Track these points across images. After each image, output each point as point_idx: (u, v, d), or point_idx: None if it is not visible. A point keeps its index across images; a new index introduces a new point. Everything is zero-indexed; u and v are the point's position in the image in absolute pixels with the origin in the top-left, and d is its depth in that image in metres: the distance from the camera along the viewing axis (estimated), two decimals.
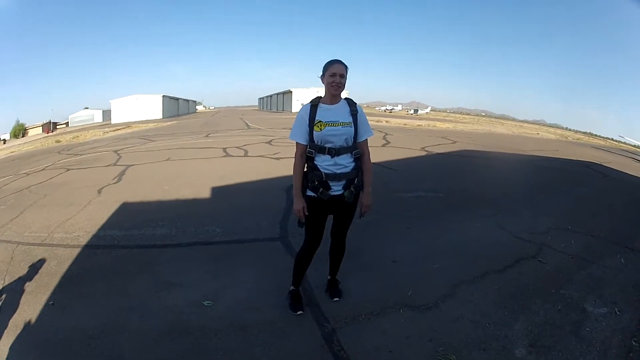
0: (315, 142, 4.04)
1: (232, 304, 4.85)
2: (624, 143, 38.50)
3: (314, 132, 4.03)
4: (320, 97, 4.20)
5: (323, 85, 4.16)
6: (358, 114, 4.15)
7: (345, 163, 4.11)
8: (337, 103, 4.15)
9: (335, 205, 4.24)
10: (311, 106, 4.11)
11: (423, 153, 17.03)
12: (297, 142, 4.18)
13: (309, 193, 4.18)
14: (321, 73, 4.17)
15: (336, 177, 4.09)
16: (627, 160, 22.16)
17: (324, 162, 4.08)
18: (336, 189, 4.13)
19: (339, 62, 4.07)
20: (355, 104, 4.20)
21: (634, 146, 34.47)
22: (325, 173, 4.06)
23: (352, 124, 4.10)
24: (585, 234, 7.43)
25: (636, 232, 7.74)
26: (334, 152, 4.03)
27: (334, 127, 4.02)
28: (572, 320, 4.61)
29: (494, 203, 9.29)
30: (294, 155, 4.22)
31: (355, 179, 4.17)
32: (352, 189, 4.16)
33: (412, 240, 6.90)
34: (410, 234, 7.20)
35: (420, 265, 5.88)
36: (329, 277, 5.06)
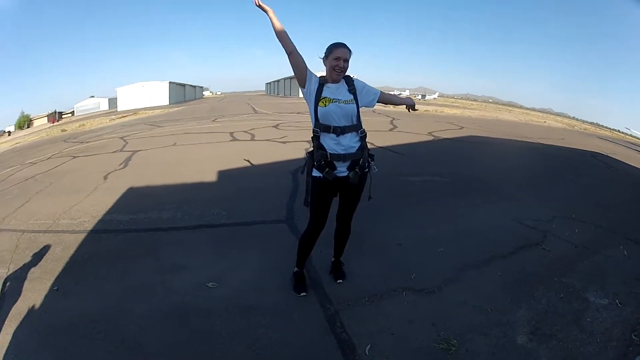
0: (320, 120, 4.06)
1: (237, 286, 4.89)
2: (630, 135, 38.29)
3: (319, 108, 4.05)
4: (324, 76, 4.21)
5: (325, 66, 4.20)
6: (357, 90, 4.20)
7: (351, 144, 4.12)
8: (338, 82, 4.17)
9: (340, 187, 4.28)
10: (319, 83, 4.12)
11: (430, 138, 16.97)
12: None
13: (315, 173, 4.20)
14: (323, 54, 4.17)
15: (341, 157, 4.10)
16: (632, 152, 22.02)
17: (329, 142, 4.09)
18: (341, 169, 4.15)
19: (344, 46, 4.08)
20: (352, 80, 4.24)
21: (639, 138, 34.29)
22: (330, 153, 4.08)
23: (354, 101, 4.14)
24: (590, 223, 7.39)
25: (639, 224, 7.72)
26: (339, 130, 4.05)
27: (338, 104, 4.04)
28: (574, 310, 4.62)
29: (499, 189, 9.32)
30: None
31: (360, 159, 4.18)
32: (357, 170, 4.16)
33: (417, 224, 6.92)
34: (415, 217, 7.22)
35: (424, 249, 5.90)
36: (333, 259, 5.09)
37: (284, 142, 14.48)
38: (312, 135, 4.20)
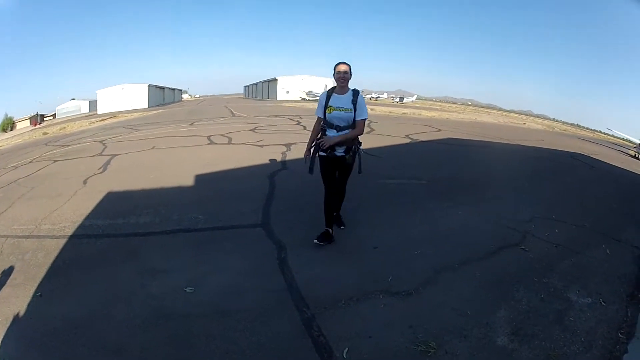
0: (327, 120, 5.74)
1: (214, 290, 4.90)
2: (612, 136, 38.64)
3: (327, 113, 5.73)
4: (335, 87, 5.82)
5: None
6: (357, 103, 5.69)
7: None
8: (345, 93, 5.75)
9: (338, 163, 5.87)
10: (327, 95, 5.79)
11: (407, 141, 17.09)
12: (318, 116, 5.93)
13: (321, 153, 5.85)
14: (333, 71, 5.75)
15: (338, 143, 5.68)
16: (614, 152, 22.28)
17: (331, 134, 5.73)
18: (339, 151, 5.77)
19: (344, 62, 5.72)
20: (358, 94, 5.75)
21: (622, 139, 34.59)
22: None
23: (352, 110, 5.67)
24: (570, 223, 7.45)
25: (622, 224, 7.80)
26: (339, 128, 5.70)
27: (339, 112, 5.67)
28: (556, 310, 4.64)
29: (477, 191, 9.32)
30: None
31: (352, 146, 5.80)
32: (350, 153, 5.79)
33: (393, 226, 6.95)
34: (392, 220, 7.24)
35: (401, 252, 5.93)
36: (334, 214, 6.38)
37: (261, 146, 14.43)
38: (321, 127, 5.86)
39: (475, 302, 4.66)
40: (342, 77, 5.67)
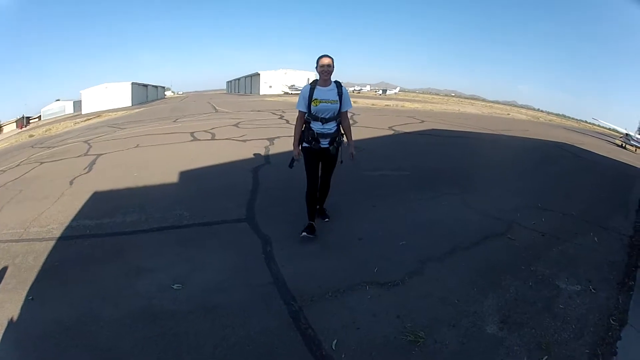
0: (313, 113, 5.81)
1: (201, 286, 4.89)
2: (598, 125, 38.80)
3: (312, 106, 5.79)
4: (317, 80, 5.91)
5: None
6: (343, 95, 5.90)
7: (330, 127, 5.92)
8: (328, 86, 5.86)
9: (323, 155, 6.00)
10: (310, 88, 5.83)
11: (390, 132, 17.16)
12: (299, 110, 5.92)
13: (305, 144, 5.96)
14: (315, 64, 5.81)
15: (324, 135, 5.88)
16: (600, 142, 22.39)
17: (316, 126, 5.86)
18: (324, 143, 5.91)
19: (327, 56, 5.78)
20: (342, 86, 5.92)
21: (608, 129, 34.71)
22: (317, 132, 5.86)
23: (338, 102, 5.86)
24: (557, 212, 7.50)
25: (610, 212, 7.86)
26: (324, 120, 5.83)
27: (325, 104, 5.79)
28: (545, 297, 4.67)
29: (461, 181, 9.36)
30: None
31: (337, 137, 6.00)
32: (335, 144, 5.96)
33: (377, 218, 6.99)
34: (376, 211, 7.28)
35: (386, 243, 5.97)
36: (318, 207, 6.60)
37: (244, 141, 14.46)
38: (305, 121, 5.93)
39: (463, 292, 4.68)
40: (326, 70, 5.73)
